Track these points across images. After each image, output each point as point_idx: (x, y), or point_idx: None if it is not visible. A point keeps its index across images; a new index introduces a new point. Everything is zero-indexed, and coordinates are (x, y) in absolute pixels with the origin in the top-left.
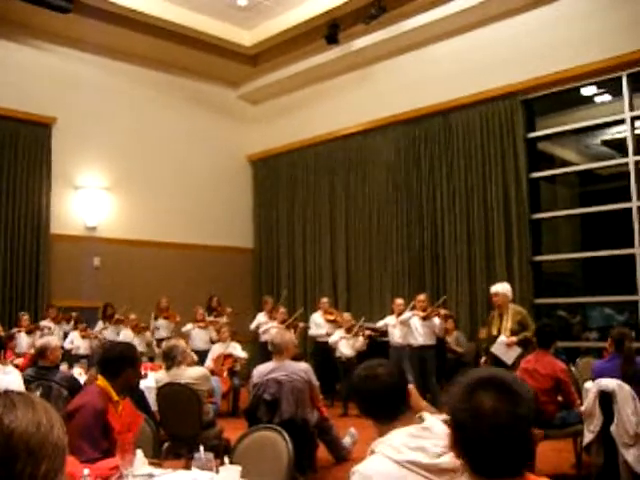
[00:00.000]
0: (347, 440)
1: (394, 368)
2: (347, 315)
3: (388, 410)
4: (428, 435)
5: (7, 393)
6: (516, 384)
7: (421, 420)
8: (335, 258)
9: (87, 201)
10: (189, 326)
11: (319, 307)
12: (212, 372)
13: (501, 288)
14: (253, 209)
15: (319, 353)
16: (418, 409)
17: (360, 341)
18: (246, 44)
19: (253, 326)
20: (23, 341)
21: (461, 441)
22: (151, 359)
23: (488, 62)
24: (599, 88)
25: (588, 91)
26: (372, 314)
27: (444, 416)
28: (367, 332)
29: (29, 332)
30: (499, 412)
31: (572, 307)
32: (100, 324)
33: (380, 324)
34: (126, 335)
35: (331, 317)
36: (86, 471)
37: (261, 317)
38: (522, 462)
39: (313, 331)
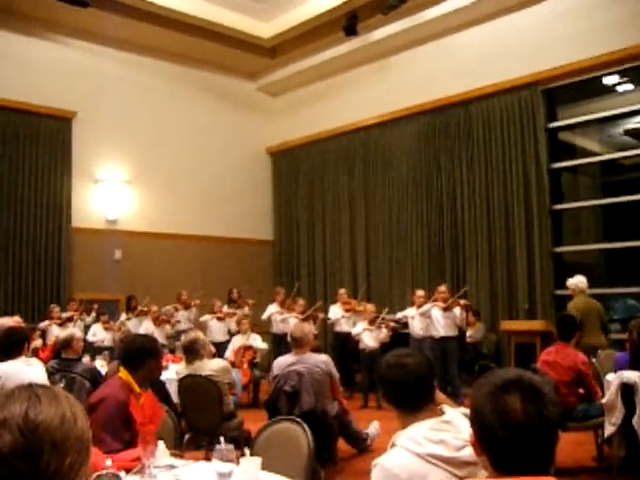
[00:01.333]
0: (370, 431)
1: (423, 360)
2: (370, 306)
3: (413, 401)
4: (449, 428)
5: (32, 386)
6: (545, 386)
7: (442, 412)
8: (355, 249)
9: (108, 194)
10: (207, 317)
11: (337, 298)
12: (232, 364)
13: (568, 282)
14: (273, 201)
15: (338, 345)
16: (437, 402)
17: (384, 333)
18: (264, 36)
19: (265, 316)
20: (55, 333)
21: (488, 441)
22: (172, 351)
23: (508, 52)
24: (621, 77)
25: (610, 80)
26: (392, 305)
27: (462, 409)
28: (391, 324)
29: (61, 324)
30: (529, 414)
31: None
32: (123, 315)
33: (399, 315)
34: (147, 327)
35: (349, 306)
36: (109, 462)
37: (272, 308)
38: (546, 461)
39: (332, 320)
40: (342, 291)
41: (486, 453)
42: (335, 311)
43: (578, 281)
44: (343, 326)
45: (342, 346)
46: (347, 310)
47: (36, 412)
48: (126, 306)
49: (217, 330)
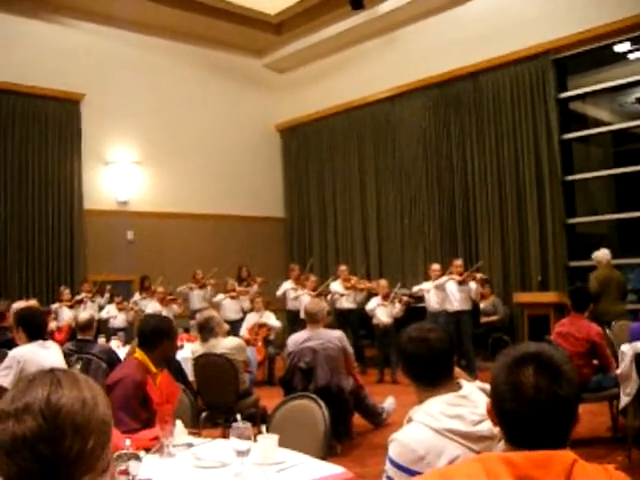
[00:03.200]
0: (385, 406)
1: (444, 335)
2: (383, 282)
3: (432, 376)
4: (465, 403)
5: (53, 371)
6: (564, 364)
7: (458, 387)
8: (366, 225)
9: (118, 176)
10: (220, 296)
11: (338, 275)
12: (247, 342)
13: (593, 254)
14: (283, 178)
15: (340, 321)
16: (454, 377)
17: (397, 308)
18: (271, 12)
19: (279, 292)
20: (65, 315)
21: (499, 412)
22: (187, 330)
23: (518, 21)
24: (633, 44)
25: (621, 48)
26: (405, 280)
27: (479, 383)
28: (405, 299)
29: (71, 306)
30: (540, 390)
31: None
32: (137, 296)
33: (415, 289)
34: (154, 307)
35: (349, 284)
36: (128, 442)
37: (287, 284)
38: (559, 437)
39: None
40: (343, 268)
41: (499, 424)
42: (335, 288)
43: (602, 253)
44: (343, 303)
45: (343, 322)
46: (347, 288)
47: (58, 396)
48: (140, 286)
49: (230, 308)
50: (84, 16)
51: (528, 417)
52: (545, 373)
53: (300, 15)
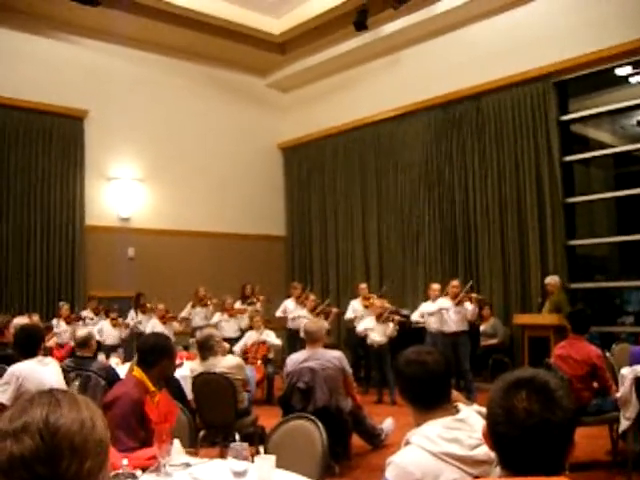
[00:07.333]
0: (384, 427)
1: (442, 358)
2: (378, 301)
3: (429, 399)
4: (463, 427)
5: (52, 392)
6: (558, 390)
7: (456, 411)
8: (367, 244)
9: (120, 192)
10: (217, 317)
11: (358, 293)
12: (245, 354)
13: (547, 279)
14: (285, 197)
15: (354, 340)
16: (451, 400)
17: (390, 327)
18: (275, 32)
19: (279, 312)
20: (62, 330)
21: (493, 435)
22: (186, 348)
23: (520, 44)
24: (634, 68)
25: (623, 71)
26: (405, 299)
27: (476, 406)
28: (397, 318)
29: (69, 322)
30: (532, 415)
31: (609, 291)
32: (132, 313)
33: (414, 318)
34: (154, 325)
35: (367, 302)
36: (125, 461)
37: (289, 303)
38: (554, 463)
39: (349, 315)
40: (363, 286)
41: (493, 447)
42: (355, 307)
43: (557, 279)
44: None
45: (357, 341)
46: (367, 306)
47: (56, 417)
48: (134, 303)
49: (228, 327)
50: (88, 33)
51: (520, 441)
52: (538, 398)
53: (304, 35)
